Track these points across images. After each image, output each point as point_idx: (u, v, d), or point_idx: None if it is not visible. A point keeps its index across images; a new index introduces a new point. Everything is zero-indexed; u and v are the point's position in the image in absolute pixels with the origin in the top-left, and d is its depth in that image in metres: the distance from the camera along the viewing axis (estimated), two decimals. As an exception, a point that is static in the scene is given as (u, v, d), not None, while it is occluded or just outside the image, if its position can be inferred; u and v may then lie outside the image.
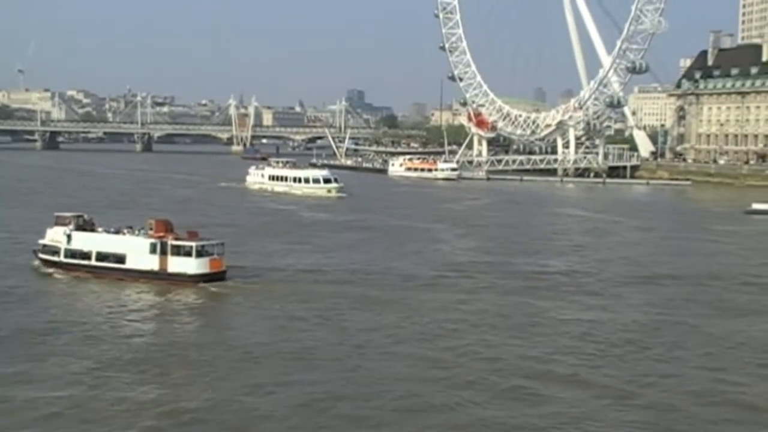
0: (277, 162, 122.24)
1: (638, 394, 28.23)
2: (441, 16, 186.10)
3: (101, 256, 45.60)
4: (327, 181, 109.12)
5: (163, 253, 43.99)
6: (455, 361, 31.58)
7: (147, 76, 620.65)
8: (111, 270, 45.03)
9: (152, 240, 44.61)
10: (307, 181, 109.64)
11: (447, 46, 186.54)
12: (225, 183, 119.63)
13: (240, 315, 39.11)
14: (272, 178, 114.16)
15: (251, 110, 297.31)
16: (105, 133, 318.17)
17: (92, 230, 47.88)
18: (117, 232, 46.88)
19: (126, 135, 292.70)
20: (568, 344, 34.28)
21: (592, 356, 32.57)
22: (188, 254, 43.76)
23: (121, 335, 34.62)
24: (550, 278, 48.85)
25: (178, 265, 43.76)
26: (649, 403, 27.42)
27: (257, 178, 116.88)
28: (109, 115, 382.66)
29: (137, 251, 44.73)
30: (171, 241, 44.24)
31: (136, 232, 46.23)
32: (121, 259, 45.02)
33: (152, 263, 44.12)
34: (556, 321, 38.04)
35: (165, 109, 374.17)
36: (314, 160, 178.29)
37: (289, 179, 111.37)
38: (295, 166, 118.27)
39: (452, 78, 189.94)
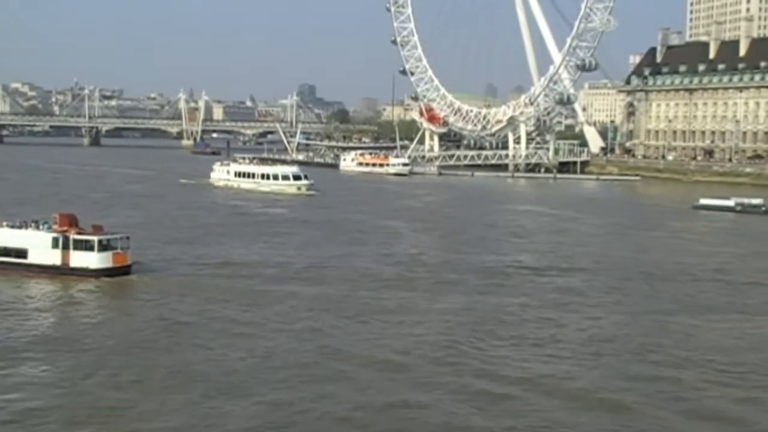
0: (243, 158, 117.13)
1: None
2: (393, 9, 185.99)
3: (3, 251, 44.59)
4: (297, 177, 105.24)
5: (65, 247, 43.27)
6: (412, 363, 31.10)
7: (95, 68, 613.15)
8: (14, 265, 44.03)
9: (54, 234, 43.81)
10: (276, 177, 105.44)
11: (399, 40, 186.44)
12: (185, 180, 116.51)
13: (124, 311, 38.27)
14: (238, 174, 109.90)
15: (201, 104, 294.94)
16: (51, 126, 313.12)
17: None
18: (21, 226, 45.68)
19: (73, 129, 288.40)
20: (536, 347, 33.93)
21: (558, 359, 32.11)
22: (90, 248, 43.02)
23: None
24: (513, 275, 48.38)
25: (79, 259, 43.04)
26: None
27: (222, 174, 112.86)
28: (56, 108, 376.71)
29: (39, 246, 43.87)
30: (73, 236, 43.44)
31: (40, 226, 45.16)
32: (23, 254, 44.11)
33: (54, 258, 43.36)
34: (519, 320, 37.42)
35: (113, 102, 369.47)
36: (265, 155, 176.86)
37: (256, 176, 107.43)
38: (262, 161, 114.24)
39: (403, 72, 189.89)
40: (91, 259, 42.91)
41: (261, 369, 29.35)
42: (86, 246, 43.11)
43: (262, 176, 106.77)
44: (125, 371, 28.71)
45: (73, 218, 45.57)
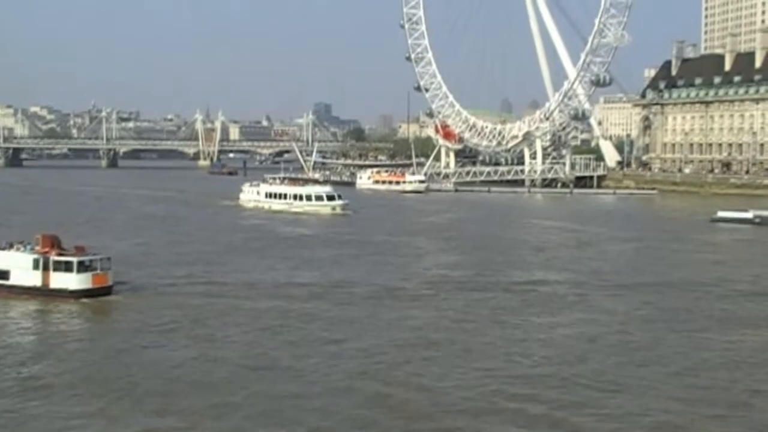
0: (274, 178, 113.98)
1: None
2: (407, 26, 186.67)
3: None
4: (330, 198, 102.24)
5: (46, 268, 43.57)
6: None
7: (112, 91, 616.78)
8: None
9: (35, 256, 44.13)
10: (309, 198, 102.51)
11: (413, 56, 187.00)
12: (221, 200, 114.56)
13: (86, 333, 38.27)
14: (269, 195, 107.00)
15: (218, 125, 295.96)
16: (69, 149, 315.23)
17: None
18: (5, 248, 45.94)
19: (91, 151, 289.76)
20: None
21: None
22: (69, 269, 43.27)
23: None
24: (540, 290, 48.22)
25: (59, 280, 43.31)
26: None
27: (252, 195, 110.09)
28: (74, 131, 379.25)
29: (21, 267, 44.27)
30: (53, 257, 43.72)
31: (23, 248, 45.45)
32: (5, 275, 44.49)
33: (35, 279, 43.73)
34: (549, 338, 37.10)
35: (131, 124, 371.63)
36: (281, 174, 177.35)
37: (288, 196, 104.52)
38: (293, 181, 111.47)
39: (418, 89, 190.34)
40: (70, 280, 43.16)
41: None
42: (66, 267, 43.38)
43: (295, 197, 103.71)
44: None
45: (55, 239, 45.77)
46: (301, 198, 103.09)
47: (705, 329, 38.76)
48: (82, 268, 43.30)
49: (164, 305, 42.51)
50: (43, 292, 43.35)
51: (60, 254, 44.25)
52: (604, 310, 42.92)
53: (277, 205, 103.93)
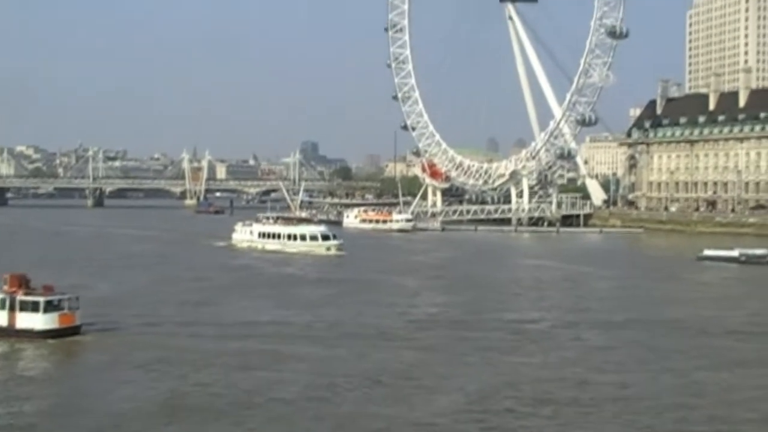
0: (268, 218, 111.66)
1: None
2: (393, 66, 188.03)
3: None
4: (326, 237, 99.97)
5: (12, 308, 42.89)
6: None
7: (99, 130, 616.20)
8: None
9: (1, 295, 43.47)
10: (303, 238, 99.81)
11: (400, 95, 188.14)
12: (213, 240, 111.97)
13: (61, 374, 37.97)
14: (263, 235, 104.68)
15: (204, 164, 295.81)
16: (55, 188, 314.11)
17: None
18: None
19: (77, 190, 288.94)
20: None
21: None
22: (36, 309, 42.55)
23: None
24: (531, 330, 47.95)
25: (25, 320, 42.59)
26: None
27: (245, 235, 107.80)
28: (60, 170, 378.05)
29: None
30: (19, 297, 43.04)
31: None
32: None
33: (2, 319, 43.04)
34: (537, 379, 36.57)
35: (117, 163, 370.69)
36: (268, 213, 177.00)
37: (282, 236, 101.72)
38: (288, 221, 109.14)
39: (405, 127, 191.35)
40: (37, 321, 42.41)
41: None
42: (32, 307, 42.62)
43: (289, 236, 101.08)
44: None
45: (23, 278, 44.93)
46: (295, 238, 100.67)
47: (698, 368, 38.33)
48: (49, 307, 42.52)
49: (134, 346, 41.75)
50: (8, 333, 42.56)
51: (27, 294, 43.44)
52: (597, 349, 42.58)
53: (270, 245, 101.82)
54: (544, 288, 69.23)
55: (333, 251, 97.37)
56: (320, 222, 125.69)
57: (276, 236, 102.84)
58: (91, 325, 44.66)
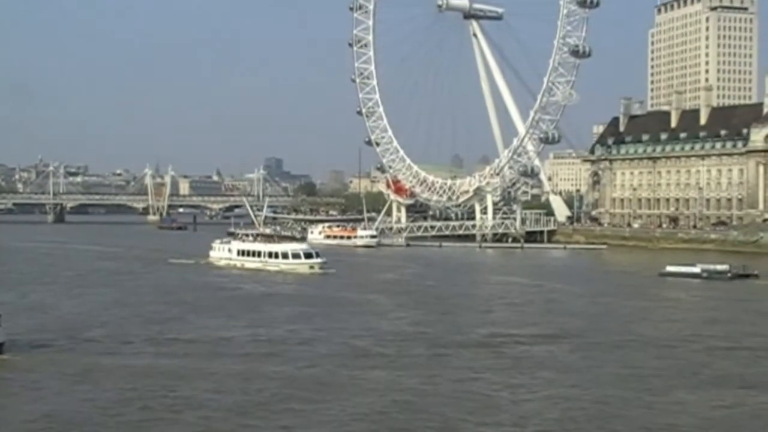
0: (247, 235, 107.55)
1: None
2: (358, 81, 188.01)
3: None
4: (309, 255, 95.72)
5: None
6: None
7: (60, 146, 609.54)
8: None
9: None
10: (285, 256, 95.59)
11: (364, 111, 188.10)
12: (176, 260, 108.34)
13: None
14: (242, 253, 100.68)
15: (168, 179, 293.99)
16: (15, 204, 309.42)
17: None
18: None
19: (37, 206, 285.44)
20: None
21: None
22: None
23: None
24: (505, 349, 47.25)
25: None
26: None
27: (223, 253, 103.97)
28: (20, 185, 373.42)
29: None
30: None
31: None
32: None
33: None
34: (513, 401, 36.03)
35: (78, 179, 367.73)
36: (232, 229, 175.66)
37: (263, 254, 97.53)
38: (268, 238, 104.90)
39: (369, 143, 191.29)
40: None
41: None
42: None
43: (270, 254, 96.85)
44: None
45: None
46: (276, 256, 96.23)
47: (675, 387, 37.95)
48: None
49: (51, 364, 40.52)
50: None
51: None
52: (574, 370, 41.84)
53: (250, 263, 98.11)
54: (515, 305, 68.83)
55: (316, 270, 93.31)
56: (303, 239, 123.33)
57: (256, 254, 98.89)
58: (14, 343, 43.21)
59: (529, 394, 36.38)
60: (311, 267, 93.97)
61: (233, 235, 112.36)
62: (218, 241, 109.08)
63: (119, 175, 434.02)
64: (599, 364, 42.92)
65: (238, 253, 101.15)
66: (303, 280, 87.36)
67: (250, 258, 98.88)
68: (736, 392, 37.19)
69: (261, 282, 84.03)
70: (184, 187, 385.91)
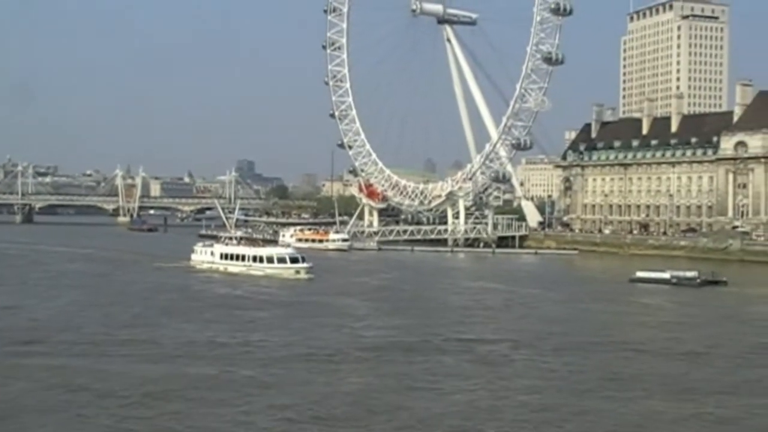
0: (230, 238, 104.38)
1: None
2: (331, 84, 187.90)
3: None
4: (294, 260, 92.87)
5: None
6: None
7: (29, 145, 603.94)
8: None
9: None
10: (270, 260, 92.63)
11: (337, 114, 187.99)
12: (161, 263, 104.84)
13: None
14: (225, 256, 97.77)
15: (138, 181, 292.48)
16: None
17: None
18: None
19: (5, 206, 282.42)
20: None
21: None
22: None
23: None
24: (481, 354, 47.12)
25: None
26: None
27: (205, 256, 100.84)
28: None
29: None
30: None
31: None
32: None
33: None
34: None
35: (48, 179, 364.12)
36: (203, 231, 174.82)
37: (247, 258, 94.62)
38: (252, 242, 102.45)
39: (342, 146, 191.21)
40: None
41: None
42: None
43: (254, 259, 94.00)
44: None
45: None
46: (261, 260, 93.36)
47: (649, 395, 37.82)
48: None
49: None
50: None
51: None
52: (553, 376, 41.58)
53: (234, 267, 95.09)
54: (489, 310, 68.76)
55: (302, 275, 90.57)
56: (288, 245, 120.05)
57: (240, 258, 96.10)
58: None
59: (502, 402, 36.10)
60: (297, 272, 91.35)
61: (216, 238, 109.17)
62: (200, 244, 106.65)
63: (89, 175, 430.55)
64: (576, 371, 42.76)
65: (221, 257, 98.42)
66: (287, 285, 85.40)
67: (234, 262, 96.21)
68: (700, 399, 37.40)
69: (235, 285, 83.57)
70: (155, 189, 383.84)
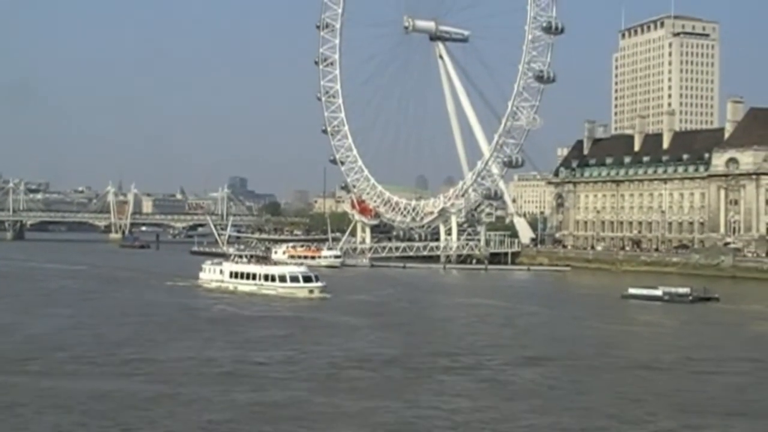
0: (241, 256, 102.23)
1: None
2: (323, 99, 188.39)
3: None
4: (307, 279, 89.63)
5: None
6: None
7: (20, 161, 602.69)
8: None
9: None
10: (282, 279, 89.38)
11: (329, 129, 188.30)
12: (173, 282, 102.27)
13: None
14: (235, 275, 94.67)
15: (130, 197, 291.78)
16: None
17: None
18: None
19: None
20: None
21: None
22: None
23: None
24: (483, 373, 46.73)
25: None
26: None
27: (214, 275, 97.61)
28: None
29: None
30: None
31: None
32: None
33: None
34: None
35: (39, 196, 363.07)
36: (195, 248, 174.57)
37: (258, 277, 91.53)
38: (264, 260, 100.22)
39: (334, 161, 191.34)
40: None
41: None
42: None
43: (266, 277, 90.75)
44: None
45: None
46: (273, 279, 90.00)
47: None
48: None
49: None
50: None
51: None
52: (558, 397, 41.06)
53: (244, 286, 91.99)
54: (487, 326, 68.56)
55: (316, 294, 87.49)
56: (301, 264, 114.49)
57: (251, 276, 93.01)
58: None
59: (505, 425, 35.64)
60: (310, 291, 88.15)
61: (225, 256, 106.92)
62: (209, 262, 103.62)
63: (81, 192, 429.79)
64: (586, 389, 42.54)
65: (231, 275, 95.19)
66: (299, 304, 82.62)
67: (244, 281, 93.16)
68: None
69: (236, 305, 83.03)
70: (147, 206, 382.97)
